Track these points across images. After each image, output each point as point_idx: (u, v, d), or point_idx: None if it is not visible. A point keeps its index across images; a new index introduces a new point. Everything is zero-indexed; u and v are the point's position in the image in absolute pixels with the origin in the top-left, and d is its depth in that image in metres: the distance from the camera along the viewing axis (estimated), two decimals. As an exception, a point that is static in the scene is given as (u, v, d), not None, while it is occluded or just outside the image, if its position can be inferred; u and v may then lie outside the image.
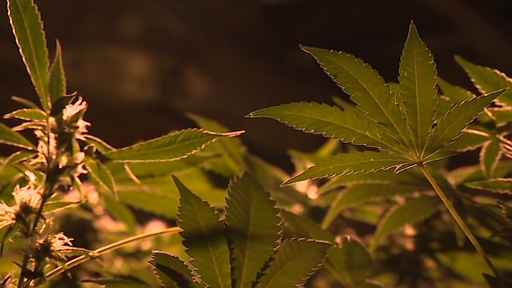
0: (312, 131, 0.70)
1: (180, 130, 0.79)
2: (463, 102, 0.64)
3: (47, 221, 0.72)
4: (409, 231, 0.90)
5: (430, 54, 0.66)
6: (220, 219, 0.67)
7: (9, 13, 0.73)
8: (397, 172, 0.66)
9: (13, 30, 0.73)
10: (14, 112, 0.74)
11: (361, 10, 3.33)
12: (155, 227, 1.10)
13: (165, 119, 3.20)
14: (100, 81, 3.04)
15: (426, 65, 0.66)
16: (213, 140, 0.77)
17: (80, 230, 1.02)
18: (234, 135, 0.77)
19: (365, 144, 0.69)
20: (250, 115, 0.73)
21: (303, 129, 0.70)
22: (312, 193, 1.00)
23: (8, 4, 0.73)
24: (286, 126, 0.71)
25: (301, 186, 1.02)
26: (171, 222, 1.08)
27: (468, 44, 3.12)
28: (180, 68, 3.21)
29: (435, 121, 0.67)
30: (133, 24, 3.04)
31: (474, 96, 0.71)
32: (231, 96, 3.35)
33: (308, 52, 0.69)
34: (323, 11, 3.29)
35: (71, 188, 0.77)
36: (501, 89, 0.62)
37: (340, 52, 0.69)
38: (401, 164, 0.67)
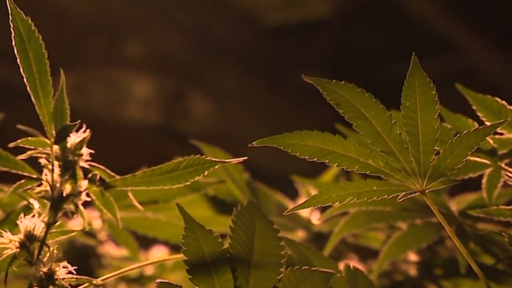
0: (315, 159, 0.71)
1: (183, 152, 0.79)
2: (465, 132, 0.64)
3: (51, 249, 0.72)
4: (412, 257, 0.90)
5: (431, 84, 0.66)
6: (224, 247, 0.67)
7: (13, 43, 0.73)
8: (400, 201, 0.66)
9: (18, 60, 0.74)
10: (19, 141, 0.74)
11: (363, 32, 3.34)
12: (159, 252, 1.10)
13: (168, 141, 3.20)
14: (104, 103, 3.04)
15: (428, 95, 0.66)
16: (216, 167, 0.77)
17: (84, 256, 1.02)
18: (237, 161, 0.77)
19: (368, 173, 0.69)
20: (253, 144, 0.73)
21: (306, 157, 0.71)
22: (315, 219, 1.00)
23: (13, 34, 0.73)
24: (292, 154, 0.71)
25: (304, 211, 1.02)
26: (174, 247, 1.08)
27: (469, 65, 3.13)
28: (183, 91, 3.22)
29: (437, 149, 0.67)
30: (137, 47, 3.06)
31: (476, 124, 0.71)
32: (234, 118, 3.36)
33: (311, 82, 0.69)
34: (325, 33, 3.30)
35: (75, 215, 0.77)
36: (503, 120, 0.62)
37: (343, 82, 0.69)
38: (404, 193, 0.67)
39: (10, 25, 0.72)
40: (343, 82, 0.69)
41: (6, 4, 0.73)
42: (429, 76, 0.68)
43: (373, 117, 0.69)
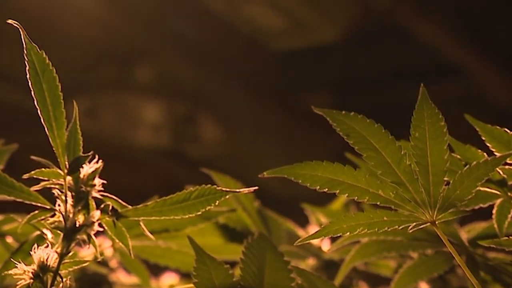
0: (326, 189, 0.71)
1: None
2: (474, 163, 0.65)
3: (64, 279, 0.72)
4: (424, 286, 0.90)
5: (440, 116, 0.67)
6: (234, 279, 0.67)
7: (28, 76, 0.74)
8: (410, 231, 0.67)
9: (32, 92, 0.74)
10: (32, 172, 0.75)
11: (371, 56, 3.35)
12: (169, 279, 1.10)
13: (178, 165, 3.21)
14: (114, 127, 3.06)
15: (436, 126, 0.67)
16: (227, 196, 0.77)
17: (95, 284, 1.02)
18: (248, 191, 0.77)
19: (378, 203, 0.70)
20: (264, 175, 0.73)
21: (317, 187, 0.71)
22: (326, 246, 0.99)
23: (27, 68, 0.74)
24: None
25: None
26: (185, 275, 1.08)
27: (477, 90, 3.13)
28: (193, 114, 3.23)
29: (447, 179, 0.67)
30: (146, 72, 3.07)
31: (485, 155, 0.71)
32: (243, 141, 3.36)
33: (321, 113, 0.70)
34: (333, 57, 3.32)
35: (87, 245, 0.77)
36: (512, 152, 0.62)
37: (352, 113, 0.69)
38: (414, 223, 0.67)
39: (21, 50, 0.73)
40: (352, 113, 0.70)
41: (14, 30, 0.74)
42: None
43: (383, 148, 0.69)
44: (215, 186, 0.77)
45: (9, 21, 0.72)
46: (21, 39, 0.74)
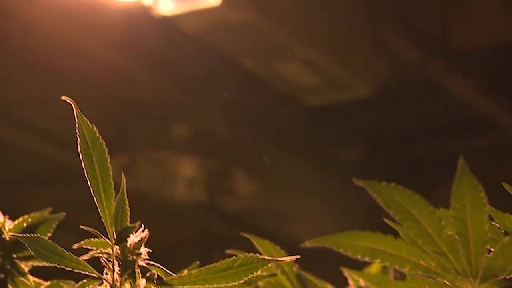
0: (367, 259, 0.72)
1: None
2: (515, 235, 0.65)
3: None
4: None
5: (480, 187, 0.67)
6: None
7: (79, 149, 0.77)
8: (452, 302, 0.67)
9: (83, 164, 0.77)
10: (82, 242, 0.77)
11: (403, 110, 3.36)
12: None
13: (213, 219, 3.22)
14: (151, 183, 3.09)
15: (476, 197, 0.68)
16: (269, 265, 0.78)
17: None
18: (290, 259, 0.78)
19: (419, 273, 0.70)
20: (306, 244, 0.74)
21: (358, 256, 0.72)
22: (365, 310, 0.99)
23: (78, 141, 0.77)
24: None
25: (354, 302, 1.01)
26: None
27: (509, 142, 3.12)
28: (227, 169, 3.25)
29: (488, 248, 0.68)
30: (182, 128, 3.12)
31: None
32: (277, 195, 3.37)
33: (362, 185, 0.71)
34: (366, 111, 3.33)
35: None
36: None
37: (393, 185, 0.70)
38: (456, 293, 0.67)
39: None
40: (392, 184, 0.71)
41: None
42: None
43: (423, 219, 0.70)
44: (257, 254, 0.78)
45: (63, 98, 0.75)
46: (65, 101, 0.77)
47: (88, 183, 0.76)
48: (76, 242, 0.79)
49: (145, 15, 2.26)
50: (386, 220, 0.88)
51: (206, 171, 3.18)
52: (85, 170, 0.77)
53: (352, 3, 2.47)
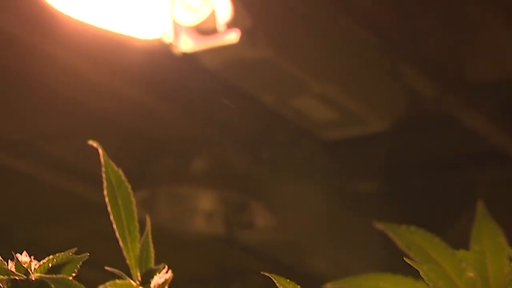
0: (388, 300, 0.72)
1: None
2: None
3: None
4: None
5: (499, 231, 0.68)
6: None
7: (105, 192, 0.78)
8: None
9: (108, 207, 0.78)
10: (107, 284, 0.78)
11: (418, 143, 3.37)
12: None
13: (232, 251, 3.22)
14: (170, 217, 3.10)
15: (496, 241, 0.68)
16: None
17: None
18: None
19: (440, 314, 0.70)
20: (327, 286, 0.75)
21: (380, 299, 0.72)
22: None
23: (104, 184, 0.78)
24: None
25: None
26: None
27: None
28: (246, 202, 3.26)
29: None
30: (201, 162, 3.13)
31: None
32: (296, 227, 3.37)
33: (383, 228, 0.72)
34: (382, 144, 3.34)
35: None
36: None
37: (413, 228, 0.71)
38: (477, 336, 0.68)
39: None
40: (412, 227, 0.72)
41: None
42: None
43: (443, 261, 0.70)
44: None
45: (90, 142, 0.76)
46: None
47: (114, 226, 0.78)
48: (99, 279, 0.80)
49: (165, 52, 2.29)
50: (406, 260, 0.89)
51: (224, 205, 3.19)
52: (110, 212, 0.78)
53: (367, 37, 2.50)
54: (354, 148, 3.33)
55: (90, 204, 2.36)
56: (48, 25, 2.15)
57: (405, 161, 3.38)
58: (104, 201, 0.77)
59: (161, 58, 2.50)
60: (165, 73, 2.71)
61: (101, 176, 0.77)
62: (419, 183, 3.41)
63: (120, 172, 0.78)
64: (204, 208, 3.17)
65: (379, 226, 0.72)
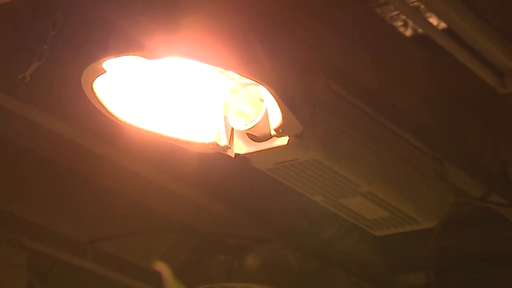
0: None
1: None
2: None
3: None
4: None
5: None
6: None
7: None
8: None
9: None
10: None
11: (464, 238, 3.31)
12: None
13: None
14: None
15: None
16: None
17: None
18: None
19: None
20: None
21: None
22: None
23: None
24: None
25: None
26: None
27: None
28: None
29: None
30: (254, 259, 3.11)
31: None
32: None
33: None
34: (429, 239, 3.27)
35: None
36: None
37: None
38: None
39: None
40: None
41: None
42: None
43: None
44: None
45: (157, 267, 0.76)
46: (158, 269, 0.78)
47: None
48: None
49: (220, 154, 2.32)
50: None
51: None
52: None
53: (413, 140, 2.49)
54: (402, 243, 3.28)
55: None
56: (113, 135, 2.21)
57: (452, 256, 3.31)
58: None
59: (217, 159, 2.52)
60: (220, 174, 2.72)
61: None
62: (467, 277, 3.33)
63: (182, 284, 0.77)
64: (256, 304, 3.12)
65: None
